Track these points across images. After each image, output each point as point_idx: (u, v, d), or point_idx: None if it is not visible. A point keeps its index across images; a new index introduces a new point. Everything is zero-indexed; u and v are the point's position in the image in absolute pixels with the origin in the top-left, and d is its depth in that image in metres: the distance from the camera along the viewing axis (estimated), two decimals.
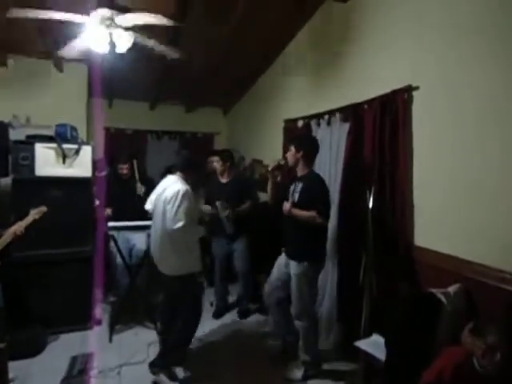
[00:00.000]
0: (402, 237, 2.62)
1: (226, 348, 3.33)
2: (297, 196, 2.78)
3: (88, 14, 2.42)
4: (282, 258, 2.99)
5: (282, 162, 2.96)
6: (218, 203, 3.55)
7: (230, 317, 3.92)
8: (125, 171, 4.06)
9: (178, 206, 2.52)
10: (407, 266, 2.59)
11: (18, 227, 2.77)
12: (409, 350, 2.06)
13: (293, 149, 2.84)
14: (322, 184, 2.79)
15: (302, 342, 2.89)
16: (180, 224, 2.49)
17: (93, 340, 3.33)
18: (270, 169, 3.02)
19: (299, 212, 2.70)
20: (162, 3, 3.14)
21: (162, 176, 2.85)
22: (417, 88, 2.55)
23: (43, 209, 2.95)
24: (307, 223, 2.67)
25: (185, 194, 2.57)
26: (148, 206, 2.85)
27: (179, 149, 6.31)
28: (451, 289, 2.18)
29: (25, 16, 2.37)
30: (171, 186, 2.64)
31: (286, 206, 2.73)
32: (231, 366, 3.02)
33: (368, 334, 2.59)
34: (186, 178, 2.75)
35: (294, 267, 2.79)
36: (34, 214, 2.89)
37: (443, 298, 2.09)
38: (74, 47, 2.80)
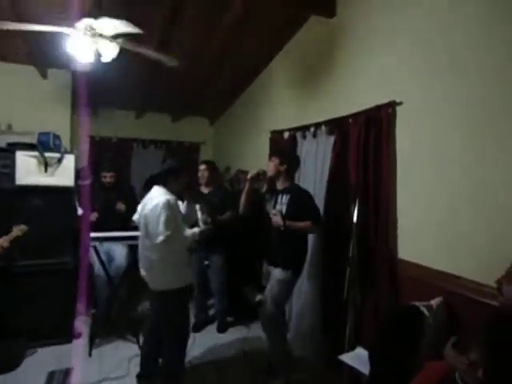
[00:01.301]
0: (385, 250, 2.64)
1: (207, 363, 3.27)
2: (284, 208, 2.80)
3: (73, 24, 2.39)
4: (267, 271, 2.99)
5: (261, 171, 2.95)
6: (196, 205, 3.52)
7: (209, 331, 3.84)
8: (108, 179, 4.01)
9: (158, 219, 2.44)
10: (391, 279, 2.60)
11: (3, 241, 2.79)
12: (392, 364, 2.06)
13: (277, 160, 2.88)
14: (308, 194, 2.89)
15: (274, 350, 2.89)
16: (161, 238, 2.41)
17: (72, 354, 3.24)
18: (248, 176, 2.99)
19: (295, 224, 2.72)
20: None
21: (145, 186, 2.82)
22: (400, 103, 2.60)
23: (24, 228, 2.97)
24: (303, 233, 2.80)
25: (165, 205, 2.46)
26: (135, 216, 2.78)
27: (165, 159, 6.28)
28: (434, 302, 2.19)
29: (5, 28, 2.33)
30: (153, 199, 2.56)
31: (278, 220, 2.71)
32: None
33: (352, 347, 2.59)
34: (169, 188, 2.68)
35: (277, 273, 2.82)
36: (17, 230, 2.92)
37: (426, 311, 2.10)
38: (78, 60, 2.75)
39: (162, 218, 2.42)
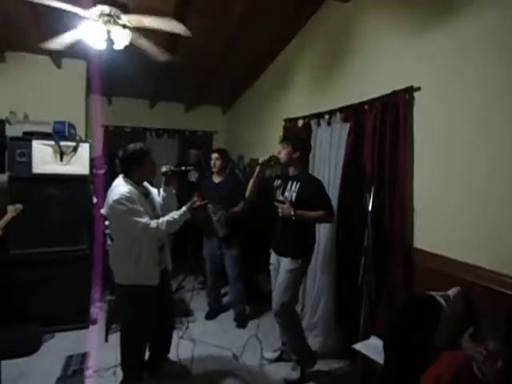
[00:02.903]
0: (401, 239, 2.59)
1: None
2: (294, 195, 2.74)
3: (88, 9, 2.39)
4: (274, 260, 2.95)
5: (273, 157, 2.85)
6: (209, 206, 3.50)
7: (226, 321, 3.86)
8: None
9: (115, 217, 2.34)
10: (406, 268, 2.57)
11: None
12: (407, 354, 2.04)
13: (289, 147, 2.80)
14: (320, 183, 2.81)
15: (289, 342, 2.89)
16: (142, 221, 2.30)
17: (88, 339, 3.31)
18: (260, 161, 2.88)
19: (307, 213, 2.65)
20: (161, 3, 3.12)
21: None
22: (418, 89, 2.52)
23: (19, 206, 2.91)
24: (314, 223, 2.75)
25: (125, 198, 2.29)
26: (103, 209, 2.56)
27: (182, 148, 6.29)
28: (451, 292, 2.15)
29: None
30: (113, 191, 2.37)
31: (286, 209, 2.63)
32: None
33: (366, 337, 2.57)
34: (133, 177, 2.45)
35: (287, 263, 2.76)
36: (12, 211, 2.85)
37: (442, 302, 2.07)
38: (63, 39, 2.76)
39: (129, 211, 2.28)
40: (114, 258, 2.54)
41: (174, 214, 2.44)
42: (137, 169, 2.45)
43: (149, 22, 2.48)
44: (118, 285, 2.52)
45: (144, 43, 2.84)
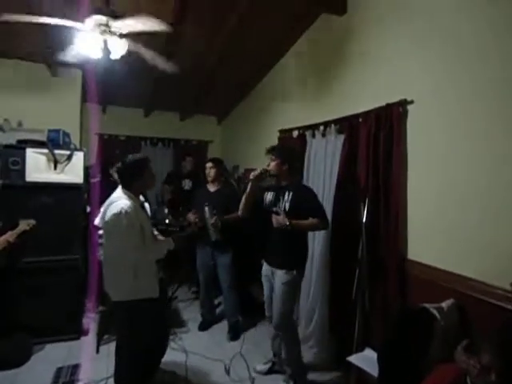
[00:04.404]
0: (395, 250, 2.60)
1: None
2: (287, 205, 2.72)
3: (83, 20, 2.40)
4: (266, 271, 2.92)
5: (263, 171, 2.81)
6: (206, 207, 3.51)
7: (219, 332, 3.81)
8: (117, 176, 4.02)
9: (117, 230, 2.24)
10: (400, 280, 2.57)
11: (10, 236, 2.75)
12: (401, 366, 2.04)
13: (278, 160, 2.80)
14: (312, 191, 2.83)
15: (287, 354, 2.85)
16: (132, 251, 2.26)
17: (80, 351, 3.25)
18: (251, 176, 2.83)
19: (302, 223, 2.64)
20: (159, 11, 3.14)
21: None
22: (411, 102, 2.56)
23: (32, 221, 2.94)
24: (310, 231, 2.75)
25: (125, 214, 2.21)
26: (97, 220, 2.49)
27: (176, 157, 6.31)
28: (444, 304, 2.16)
29: (16, 20, 2.34)
30: (113, 204, 2.29)
31: (280, 220, 2.60)
32: None
33: (361, 349, 2.56)
34: (134, 191, 2.40)
35: (281, 276, 2.74)
36: (24, 224, 2.87)
37: (436, 313, 2.07)
38: (72, 51, 2.77)
39: (123, 228, 2.21)
40: (109, 274, 2.41)
41: (162, 242, 2.51)
42: (137, 181, 2.39)
43: (133, 24, 2.46)
44: (116, 302, 2.39)
45: (148, 54, 2.85)
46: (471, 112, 2.18)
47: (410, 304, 2.48)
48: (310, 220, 2.64)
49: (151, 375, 2.74)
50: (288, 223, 2.57)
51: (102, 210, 2.44)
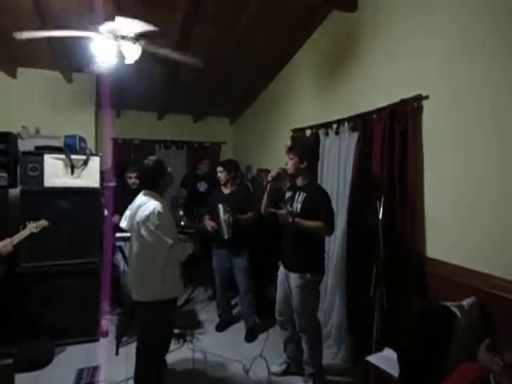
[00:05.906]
0: (413, 248, 2.57)
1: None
2: (299, 206, 2.71)
3: (96, 28, 2.43)
4: (282, 273, 2.91)
5: (281, 171, 2.82)
6: (219, 205, 3.52)
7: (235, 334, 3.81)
8: (133, 180, 4.08)
9: (157, 226, 2.30)
10: (419, 278, 2.53)
11: (9, 243, 2.67)
12: (422, 366, 2.00)
13: (296, 158, 2.77)
14: (326, 194, 2.76)
15: (309, 355, 2.83)
16: (169, 242, 2.33)
17: (99, 352, 3.30)
18: (269, 178, 2.84)
19: (304, 222, 2.61)
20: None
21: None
22: (426, 97, 2.52)
23: (44, 223, 2.89)
24: (312, 233, 2.64)
25: (158, 214, 2.30)
26: (123, 223, 2.54)
27: (188, 160, 6.35)
28: (465, 302, 2.12)
29: (34, 37, 2.40)
30: (144, 205, 2.37)
31: (284, 216, 2.60)
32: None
33: (380, 349, 2.53)
34: (159, 191, 2.49)
35: (295, 280, 2.72)
36: (31, 227, 2.81)
37: (457, 312, 2.03)
38: (95, 63, 2.83)
39: (161, 224, 2.31)
40: (136, 274, 2.46)
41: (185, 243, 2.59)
42: (161, 180, 2.49)
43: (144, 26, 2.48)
44: (139, 302, 2.43)
45: (177, 56, 2.88)
46: (486, 106, 2.14)
47: (429, 302, 2.44)
48: (314, 222, 2.60)
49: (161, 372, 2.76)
50: (290, 220, 2.58)
51: (127, 213, 2.50)
